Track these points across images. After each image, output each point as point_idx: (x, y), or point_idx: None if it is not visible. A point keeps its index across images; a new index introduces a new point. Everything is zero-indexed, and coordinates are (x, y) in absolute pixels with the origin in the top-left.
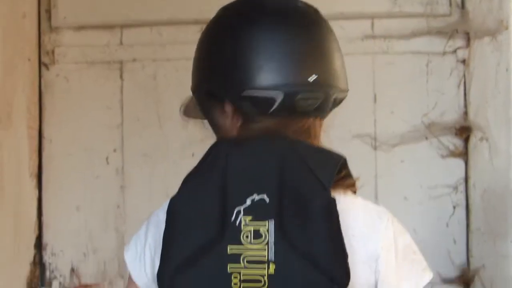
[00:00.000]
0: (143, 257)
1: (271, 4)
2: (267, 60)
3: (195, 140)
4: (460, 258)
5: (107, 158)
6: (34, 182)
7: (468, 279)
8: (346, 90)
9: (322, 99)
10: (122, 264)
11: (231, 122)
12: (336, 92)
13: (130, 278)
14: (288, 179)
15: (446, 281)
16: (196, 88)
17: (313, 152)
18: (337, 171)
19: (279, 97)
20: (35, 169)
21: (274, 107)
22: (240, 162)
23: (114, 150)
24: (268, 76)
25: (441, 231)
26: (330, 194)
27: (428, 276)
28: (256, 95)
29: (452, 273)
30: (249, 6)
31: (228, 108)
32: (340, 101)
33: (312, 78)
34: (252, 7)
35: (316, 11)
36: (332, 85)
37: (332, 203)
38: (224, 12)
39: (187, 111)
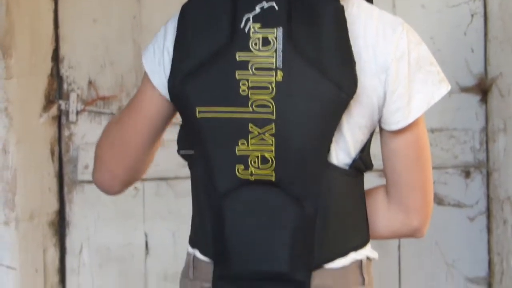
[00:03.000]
0: (162, 61)
1: None
2: None
3: None
4: (477, 66)
5: None
6: None
7: (485, 87)
8: None
9: None
10: (139, 76)
11: None
12: None
13: (145, 84)
14: None
15: (463, 89)
16: None
17: None
18: None
19: None
20: None
21: None
22: None
23: None
24: None
25: (459, 40)
26: (339, 3)
27: (445, 87)
28: None
29: (470, 81)
30: None
31: None
32: None
33: None
34: None
35: None
36: None
37: (341, 10)
38: None
39: None
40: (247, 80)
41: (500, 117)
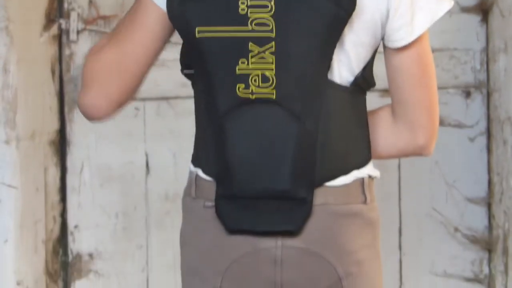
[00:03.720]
0: None
1: None
2: None
3: None
4: None
5: None
6: None
7: (486, 7)
8: None
9: None
10: None
11: None
12: None
13: (143, 1)
14: None
15: (464, 9)
16: None
17: None
18: None
19: None
20: None
21: None
22: None
23: None
24: None
25: None
26: None
27: (448, 3)
28: None
29: (471, 1)
30: None
31: None
32: None
33: None
34: None
35: None
36: None
37: None
38: None
39: None
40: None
41: (501, 37)
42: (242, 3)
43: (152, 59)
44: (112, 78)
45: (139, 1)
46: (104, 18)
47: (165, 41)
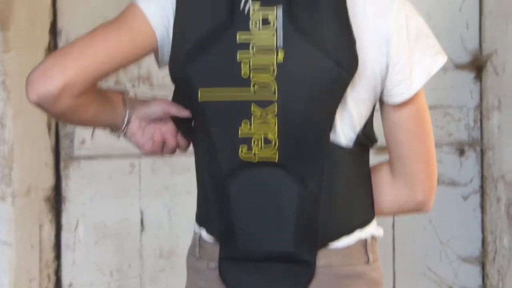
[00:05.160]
0: (165, 12)
1: None
2: None
3: None
4: (472, 43)
5: None
6: None
7: (480, 64)
8: None
9: None
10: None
11: None
12: None
13: (134, 13)
14: None
15: (458, 67)
16: None
17: None
18: None
19: None
20: None
21: None
22: None
23: None
24: None
25: (454, 16)
26: None
27: (442, 59)
28: None
29: (465, 58)
30: None
31: None
32: None
33: None
34: None
35: None
36: None
37: None
38: None
39: None
40: (249, 61)
41: (494, 95)
42: (245, 65)
43: (121, 66)
44: (82, 62)
45: (129, 13)
46: None
47: (139, 58)
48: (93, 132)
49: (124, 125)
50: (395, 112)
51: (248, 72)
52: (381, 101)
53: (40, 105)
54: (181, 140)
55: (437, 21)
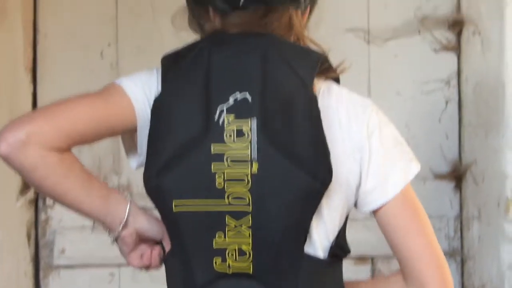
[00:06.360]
0: (146, 92)
1: None
2: None
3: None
4: (452, 153)
5: (101, 53)
6: (29, 77)
7: (460, 174)
8: None
9: None
10: (116, 159)
11: (213, 25)
12: None
13: (117, 91)
14: (270, 77)
15: (438, 176)
16: None
17: (294, 49)
18: (319, 67)
19: None
20: (30, 64)
21: None
22: (222, 60)
23: (109, 44)
24: None
25: (434, 126)
26: (312, 92)
27: (415, 167)
28: None
29: (444, 168)
30: None
31: (211, 11)
32: None
33: None
34: None
35: None
36: None
37: (313, 101)
38: None
39: (178, 22)
40: (223, 173)
41: (474, 205)
42: (219, 176)
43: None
44: (60, 120)
45: (113, 91)
46: None
47: (117, 130)
48: None
49: (119, 230)
50: (381, 215)
51: (222, 183)
52: (361, 209)
53: (9, 156)
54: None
55: (416, 131)
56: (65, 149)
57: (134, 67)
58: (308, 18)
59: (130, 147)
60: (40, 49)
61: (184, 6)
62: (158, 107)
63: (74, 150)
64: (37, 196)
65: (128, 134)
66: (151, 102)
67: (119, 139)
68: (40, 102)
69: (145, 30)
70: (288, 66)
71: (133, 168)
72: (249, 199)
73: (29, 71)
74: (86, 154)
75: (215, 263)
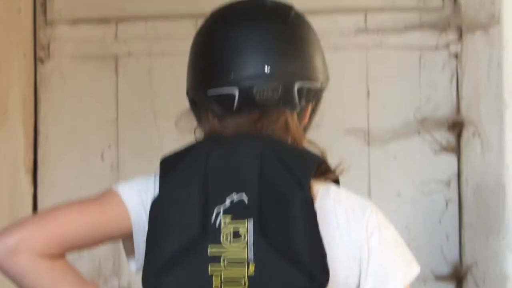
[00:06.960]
0: (142, 197)
1: (238, 6)
2: (223, 58)
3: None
4: (452, 254)
5: (102, 154)
6: (29, 179)
7: (460, 276)
8: (317, 80)
9: (281, 89)
10: (116, 262)
11: (212, 126)
12: (298, 81)
13: (114, 199)
14: (266, 178)
15: (438, 277)
16: (186, 95)
17: (290, 151)
18: (316, 168)
19: (236, 92)
20: (30, 165)
21: (236, 103)
22: (219, 162)
23: (109, 146)
24: (224, 73)
25: (434, 228)
26: (308, 193)
27: (416, 268)
28: (218, 94)
29: (445, 269)
30: (218, 12)
31: (209, 113)
32: (313, 91)
33: (266, 69)
34: (219, 12)
35: (285, 7)
36: (292, 73)
37: (310, 202)
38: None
39: (182, 124)
40: (220, 274)
41: None
42: (216, 278)
43: (90, 237)
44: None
45: (106, 192)
46: None
47: (112, 235)
48: None
49: None
50: None
51: (219, 285)
52: None
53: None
54: None
55: (417, 233)
56: (58, 255)
57: (135, 169)
58: (312, 117)
59: (130, 250)
60: (41, 151)
61: (187, 109)
62: (156, 209)
63: (75, 252)
64: None
65: (128, 238)
66: (147, 207)
67: (119, 241)
68: (40, 204)
69: (146, 132)
70: (284, 167)
71: (133, 270)
72: None
73: (30, 173)
74: (86, 257)
75: None
